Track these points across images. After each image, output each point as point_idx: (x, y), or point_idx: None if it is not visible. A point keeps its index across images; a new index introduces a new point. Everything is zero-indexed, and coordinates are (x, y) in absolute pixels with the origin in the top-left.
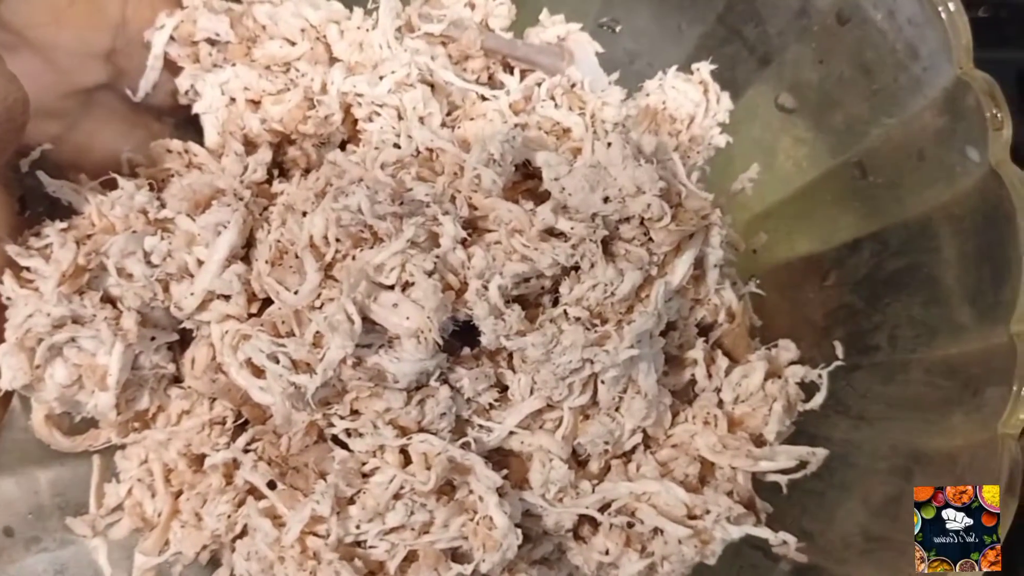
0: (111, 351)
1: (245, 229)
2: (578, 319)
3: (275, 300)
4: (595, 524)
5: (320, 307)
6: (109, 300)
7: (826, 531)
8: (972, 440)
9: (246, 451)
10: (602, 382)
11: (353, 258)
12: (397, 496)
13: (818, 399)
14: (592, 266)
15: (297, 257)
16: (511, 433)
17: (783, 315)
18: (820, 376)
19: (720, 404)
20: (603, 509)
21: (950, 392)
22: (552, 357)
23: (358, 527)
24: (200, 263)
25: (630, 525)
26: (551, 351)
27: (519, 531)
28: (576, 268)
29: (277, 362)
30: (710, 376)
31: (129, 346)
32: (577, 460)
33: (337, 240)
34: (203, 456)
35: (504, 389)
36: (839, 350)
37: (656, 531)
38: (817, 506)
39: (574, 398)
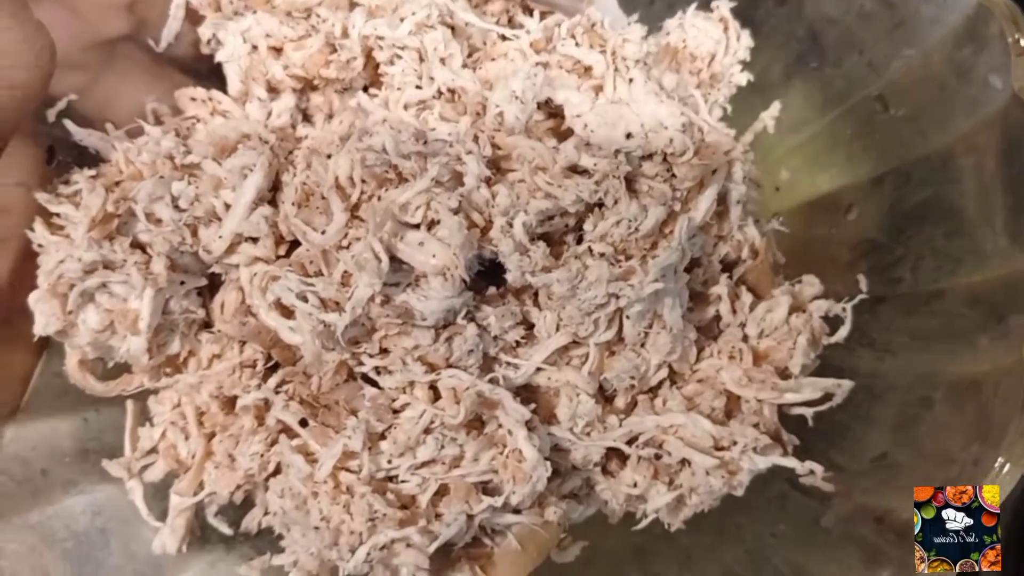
0: (142, 296)
1: (271, 172)
2: (602, 255)
3: (302, 241)
4: (623, 458)
5: (347, 247)
6: (139, 246)
7: (852, 461)
8: (997, 367)
9: (277, 391)
10: (627, 317)
11: (379, 198)
12: (427, 431)
13: (843, 332)
14: (616, 202)
15: (323, 198)
16: (538, 369)
17: (806, 251)
18: (844, 309)
19: (745, 339)
20: (630, 442)
21: (974, 320)
22: (577, 293)
23: (390, 462)
24: (227, 206)
25: (657, 457)
26: (576, 287)
27: (548, 464)
28: (600, 205)
29: (306, 301)
30: (734, 311)
31: (159, 291)
32: (604, 396)
33: (363, 181)
34: (235, 398)
35: (531, 327)
36: (863, 283)
37: (683, 463)
38: (842, 437)
39: (600, 334)
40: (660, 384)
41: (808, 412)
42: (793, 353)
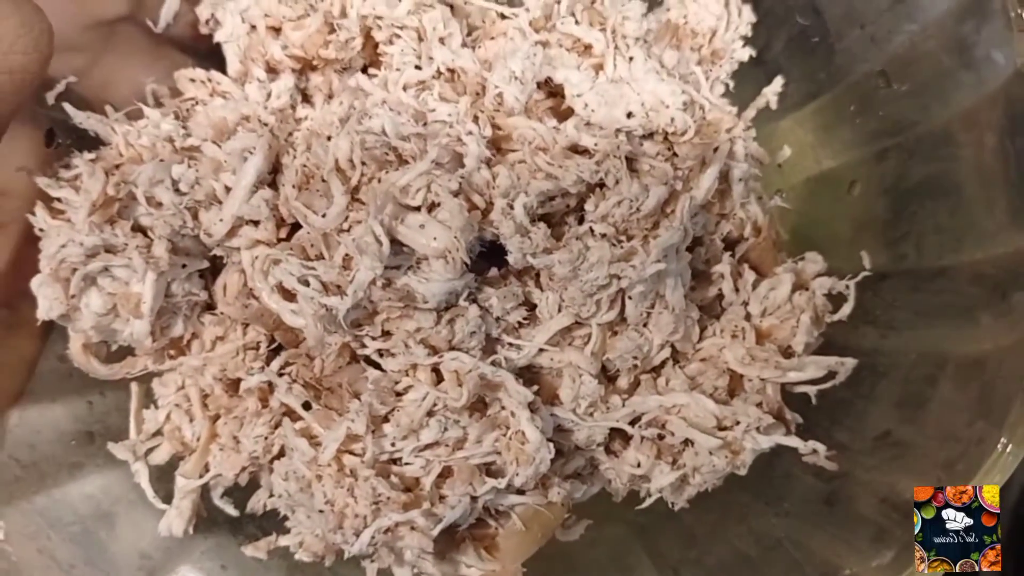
0: (144, 279)
1: (271, 154)
2: (604, 235)
3: (303, 224)
4: (626, 438)
5: (348, 230)
6: (140, 229)
7: (855, 440)
8: (1000, 344)
9: (280, 374)
10: (629, 298)
11: (379, 180)
12: (430, 413)
13: (846, 310)
14: (617, 182)
15: (324, 181)
16: (540, 351)
17: (809, 228)
18: (847, 287)
19: (748, 317)
20: (633, 423)
21: (977, 298)
22: (579, 274)
23: (393, 444)
24: (228, 189)
25: (660, 437)
26: (578, 268)
27: (551, 445)
28: (601, 185)
29: (307, 285)
30: (737, 290)
31: (161, 274)
32: (607, 376)
33: (363, 163)
34: (238, 381)
35: (533, 308)
36: (866, 260)
37: (687, 443)
38: (846, 415)
39: (602, 314)
40: (663, 364)
41: (812, 390)
42: (796, 331)
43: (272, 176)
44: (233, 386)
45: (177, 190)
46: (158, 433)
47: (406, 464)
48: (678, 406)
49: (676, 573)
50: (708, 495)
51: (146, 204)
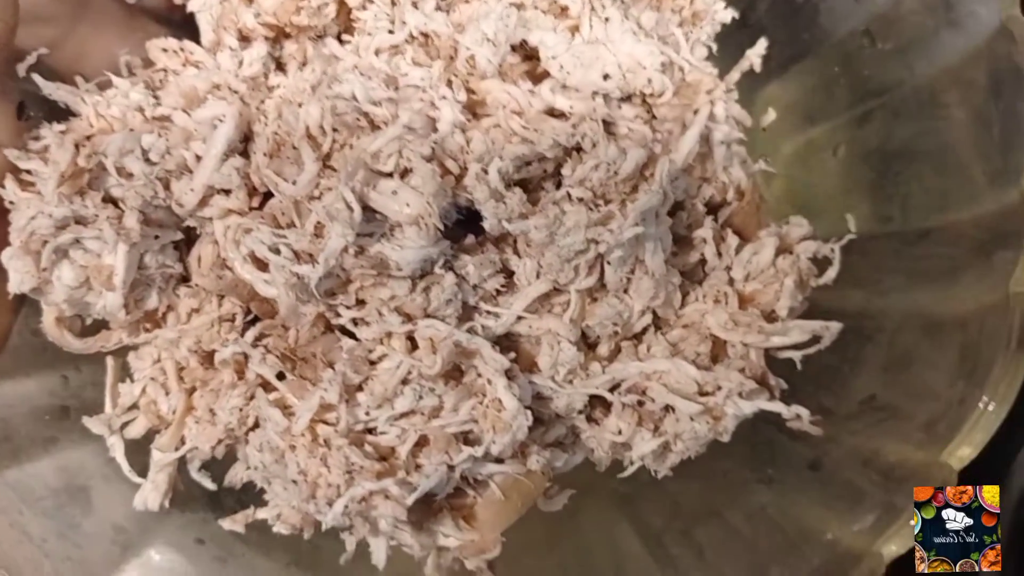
0: (115, 250)
1: (242, 122)
2: (581, 200)
3: (274, 192)
4: (607, 406)
5: (319, 197)
6: (111, 201)
7: (840, 404)
8: (983, 303)
9: (255, 346)
10: (608, 263)
11: (350, 147)
12: (405, 381)
13: (831, 273)
14: (594, 145)
15: (294, 148)
16: (519, 319)
17: (794, 192)
18: (832, 250)
19: (731, 282)
20: (613, 390)
21: (962, 258)
22: (556, 239)
23: (368, 414)
24: (199, 159)
25: (641, 404)
26: (555, 233)
27: (529, 413)
28: (578, 149)
29: (279, 253)
30: (720, 255)
31: (133, 245)
32: (587, 344)
33: (334, 130)
34: (214, 353)
35: (511, 276)
36: (851, 223)
37: (667, 409)
38: (832, 380)
39: (580, 280)
40: (644, 331)
41: (796, 356)
42: (780, 295)
43: (244, 145)
44: (209, 359)
45: (147, 160)
46: (134, 407)
47: (381, 434)
48: (659, 372)
49: (660, 543)
50: (691, 462)
51: (116, 175)
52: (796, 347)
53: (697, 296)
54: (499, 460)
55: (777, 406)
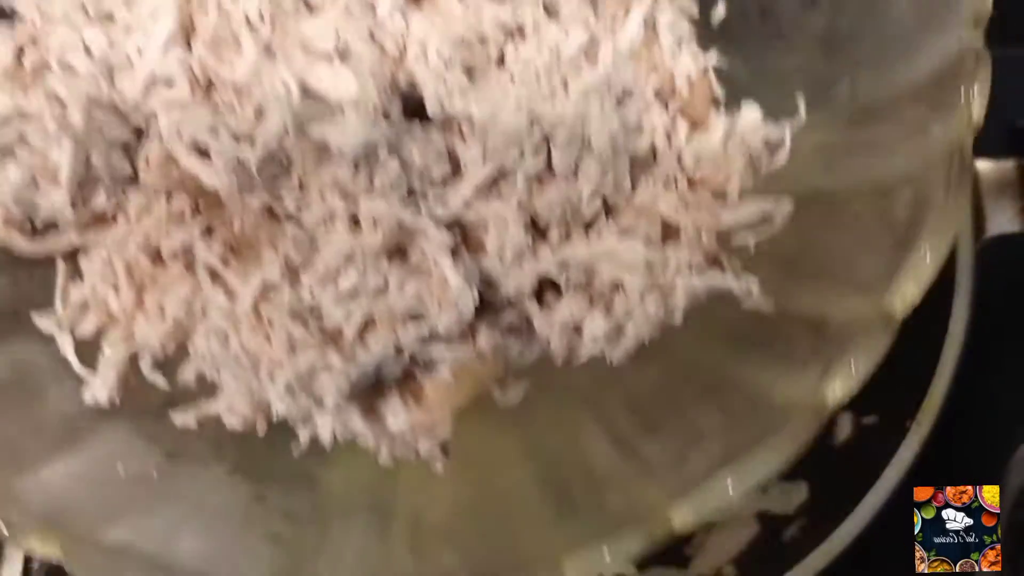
0: (60, 145)
1: (182, 16)
2: (523, 81)
3: (215, 81)
4: (558, 291)
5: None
6: (56, 98)
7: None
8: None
9: (202, 237)
10: (554, 146)
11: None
12: (348, 259)
13: (782, 157)
14: (536, 28)
15: (235, 38)
16: (466, 206)
17: (745, 79)
18: (783, 134)
19: (681, 168)
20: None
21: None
22: (498, 120)
23: (312, 295)
24: (141, 53)
25: (590, 284)
26: (497, 113)
27: (475, 291)
28: (521, 31)
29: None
30: (670, 143)
31: (79, 142)
32: (537, 231)
33: (273, 16)
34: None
35: (459, 168)
36: (801, 107)
37: (616, 287)
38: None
39: (527, 163)
40: (595, 218)
41: (750, 241)
42: (730, 178)
43: (187, 38)
44: (159, 257)
45: (91, 55)
46: (84, 306)
47: (327, 317)
48: (608, 252)
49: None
50: (650, 353)
51: (59, 70)
52: (748, 227)
53: (648, 183)
54: (450, 342)
55: (728, 279)
